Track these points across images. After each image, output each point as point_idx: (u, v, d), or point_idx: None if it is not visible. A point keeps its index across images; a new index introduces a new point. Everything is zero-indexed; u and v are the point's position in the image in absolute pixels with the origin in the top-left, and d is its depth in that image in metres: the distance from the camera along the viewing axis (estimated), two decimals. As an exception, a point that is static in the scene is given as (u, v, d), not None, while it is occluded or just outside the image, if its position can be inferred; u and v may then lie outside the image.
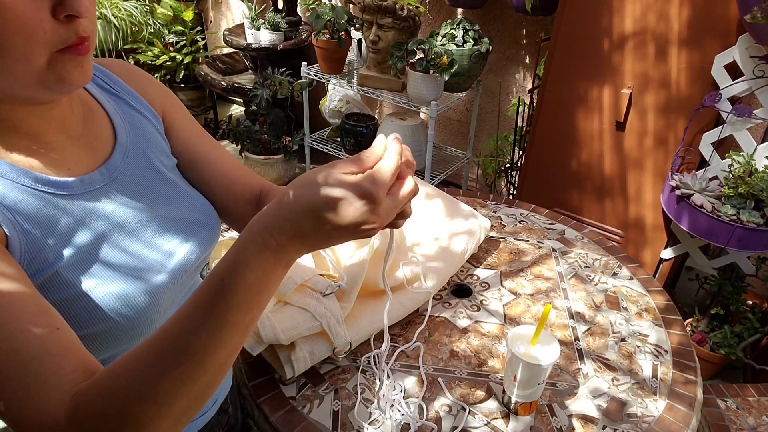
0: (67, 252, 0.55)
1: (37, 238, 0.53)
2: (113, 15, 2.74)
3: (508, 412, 0.88)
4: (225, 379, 0.80)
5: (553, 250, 1.30)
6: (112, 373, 0.45)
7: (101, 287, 0.56)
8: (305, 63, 2.62)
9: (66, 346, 0.48)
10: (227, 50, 3.33)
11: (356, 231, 0.46)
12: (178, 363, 0.44)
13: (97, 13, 2.68)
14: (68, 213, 0.56)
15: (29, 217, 0.53)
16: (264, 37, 2.74)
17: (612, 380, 0.96)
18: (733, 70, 1.62)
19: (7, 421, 0.46)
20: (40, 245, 0.53)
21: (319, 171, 0.46)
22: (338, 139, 2.74)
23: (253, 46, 2.75)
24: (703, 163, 1.77)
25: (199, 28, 3.27)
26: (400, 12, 2.19)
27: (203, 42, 3.25)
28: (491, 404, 0.90)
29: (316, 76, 2.58)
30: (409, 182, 0.49)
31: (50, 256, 0.54)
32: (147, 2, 3.03)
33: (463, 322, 1.07)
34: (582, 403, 0.91)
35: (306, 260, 1.08)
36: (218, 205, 0.76)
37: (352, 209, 0.44)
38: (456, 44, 2.20)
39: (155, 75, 3.17)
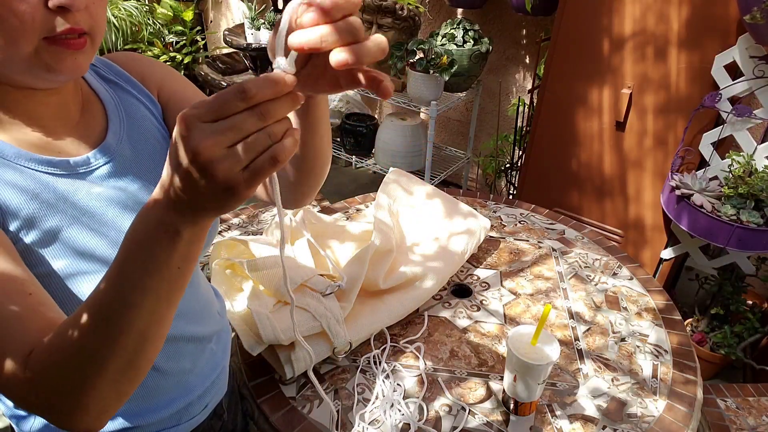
0: (33, 228, 0.55)
1: (13, 207, 0.53)
2: (113, 15, 2.74)
3: (508, 412, 0.88)
4: (217, 384, 0.80)
5: (553, 250, 1.30)
6: (59, 330, 0.47)
7: (73, 268, 0.56)
8: (305, 63, 2.62)
9: (35, 309, 0.49)
10: (227, 50, 3.32)
11: (199, 171, 0.39)
12: (103, 319, 0.45)
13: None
14: (46, 191, 0.56)
15: (7, 186, 0.54)
16: (264, 37, 2.74)
17: (612, 380, 0.96)
18: (733, 70, 1.62)
19: None
20: (14, 215, 0.53)
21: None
22: (338, 139, 2.75)
23: (253, 46, 2.75)
24: (703, 163, 1.77)
25: (199, 28, 3.27)
26: (400, 12, 2.19)
27: (203, 42, 3.25)
28: (491, 404, 0.90)
29: (316, 76, 2.58)
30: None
31: (23, 228, 0.54)
32: (147, 2, 3.03)
33: (463, 322, 1.07)
34: (582, 403, 0.91)
35: (306, 260, 1.08)
36: None
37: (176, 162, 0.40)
38: (456, 44, 2.20)
39: (155, 75, 3.18)
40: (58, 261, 0.56)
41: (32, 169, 0.56)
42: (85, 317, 0.46)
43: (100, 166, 0.62)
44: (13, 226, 0.54)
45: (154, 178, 0.66)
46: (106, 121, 0.65)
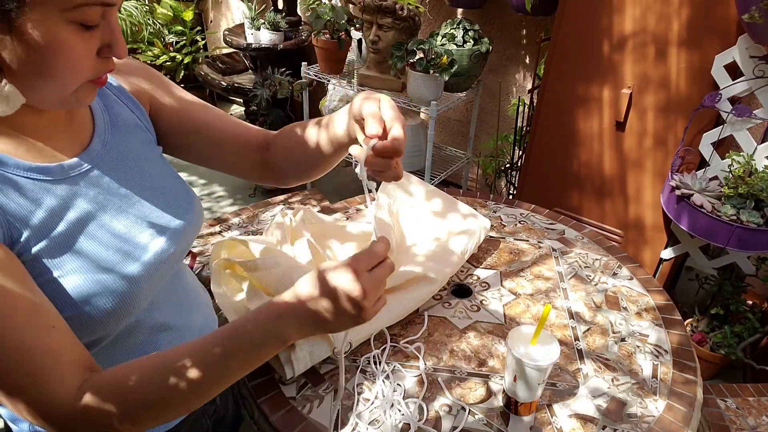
0: (45, 236, 0.57)
1: (17, 221, 0.55)
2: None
3: (508, 412, 0.88)
4: None
5: (553, 250, 1.30)
6: (125, 375, 0.54)
7: (77, 274, 0.58)
8: (305, 63, 2.62)
9: (62, 343, 0.54)
10: (227, 50, 3.32)
11: (352, 317, 0.59)
12: (184, 388, 0.54)
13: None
14: (48, 197, 0.58)
15: (9, 200, 0.55)
16: (264, 37, 2.74)
17: (612, 380, 0.96)
18: (733, 70, 1.62)
19: (17, 410, 0.52)
20: (19, 229, 0.55)
21: (326, 281, 0.58)
22: (338, 139, 2.75)
23: (253, 46, 2.75)
24: (703, 163, 1.77)
25: (199, 28, 3.27)
26: (400, 12, 2.19)
27: (203, 42, 3.25)
28: (491, 404, 0.90)
29: (316, 76, 2.58)
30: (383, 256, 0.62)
31: (30, 240, 0.56)
32: (147, 2, 3.03)
33: (463, 322, 1.07)
34: (582, 403, 0.91)
35: (306, 260, 1.08)
36: (230, 160, 0.83)
37: (345, 316, 0.59)
38: (456, 44, 2.20)
39: (155, 75, 3.18)
40: (65, 266, 0.58)
41: (32, 179, 0.58)
42: (164, 376, 0.54)
43: (92, 168, 0.64)
44: (23, 237, 0.55)
45: (140, 179, 0.70)
46: (93, 123, 0.68)
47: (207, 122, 0.80)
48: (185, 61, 3.14)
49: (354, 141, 0.69)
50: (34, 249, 0.56)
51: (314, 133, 0.75)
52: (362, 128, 0.63)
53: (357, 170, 0.63)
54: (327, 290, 0.57)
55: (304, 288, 0.58)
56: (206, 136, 0.80)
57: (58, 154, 0.61)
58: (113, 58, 0.57)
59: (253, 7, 2.76)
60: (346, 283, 0.56)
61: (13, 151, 0.57)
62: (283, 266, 0.97)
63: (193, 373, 0.54)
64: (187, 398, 0.56)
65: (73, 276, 0.58)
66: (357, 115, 0.64)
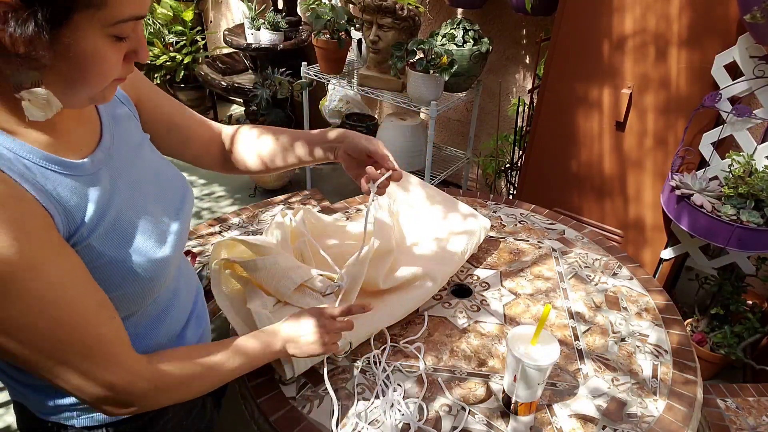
0: (98, 226, 0.63)
1: (76, 216, 0.60)
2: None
3: (508, 412, 0.88)
4: (205, 336, 0.91)
5: (553, 250, 1.30)
6: (176, 360, 0.72)
7: (125, 255, 0.65)
8: (305, 63, 2.62)
9: (122, 329, 0.65)
10: (227, 50, 3.32)
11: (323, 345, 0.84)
12: (209, 382, 0.76)
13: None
14: (92, 191, 0.63)
15: (67, 199, 0.60)
16: (264, 37, 2.74)
17: (612, 380, 0.96)
18: (733, 70, 1.62)
19: (88, 393, 0.62)
20: (77, 223, 0.61)
21: (308, 317, 0.85)
22: (338, 139, 2.74)
23: (253, 46, 2.75)
24: (703, 163, 1.77)
25: (199, 28, 3.27)
26: (400, 12, 2.19)
27: (203, 42, 3.25)
28: (491, 404, 0.90)
29: (316, 76, 2.58)
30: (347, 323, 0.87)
31: (84, 232, 0.61)
32: (147, 2, 3.03)
33: (463, 322, 1.07)
34: (582, 403, 0.91)
35: (306, 261, 1.08)
36: (194, 153, 0.94)
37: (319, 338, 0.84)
38: (456, 44, 2.20)
39: (155, 75, 3.18)
40: (113, 251, 0.64)
41: (76, 176, 0.62)
42: (199, 372, 0.73)
43: (110, 159, 0.69)
44: (80, 230, 0.61)
45: (144, 165, 0.76)
46: (99, 116, 0.72)
47: (177, 122, 0.89)
48: (185, 61, 3.13)
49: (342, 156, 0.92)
50: (89, 239, 0.61)
51: (277, 148, 0.94)
52: (356, 163, 0.91)
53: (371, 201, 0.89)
54: (305, 330, 0.83)
55: (291, 325, 0.84)
56: (177, 133, 0.89)
57: (83, 149, 0.65)
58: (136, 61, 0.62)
59: (253, 7, 2.76)
60: (317, 324, 0.84)
61: (56, 151, 0.61)
62: (282, 266, 0.97)
63: (223, 370, 0.76)
64: (208, 387, 0.76)
65: (119, 260, 0.64)
66: (364, 151, 0.89)
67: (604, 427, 0.87)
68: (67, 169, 0.61)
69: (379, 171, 0.86)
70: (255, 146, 0.95)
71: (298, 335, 0.82)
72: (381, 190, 0.87)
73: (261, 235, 1.12)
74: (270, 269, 0.96)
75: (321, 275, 1.02)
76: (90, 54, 0.55)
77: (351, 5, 2.41)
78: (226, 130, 0.98)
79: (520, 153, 2.42)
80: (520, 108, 2.34)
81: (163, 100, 0.87)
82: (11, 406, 1.81)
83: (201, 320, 0.88)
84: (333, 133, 0.92)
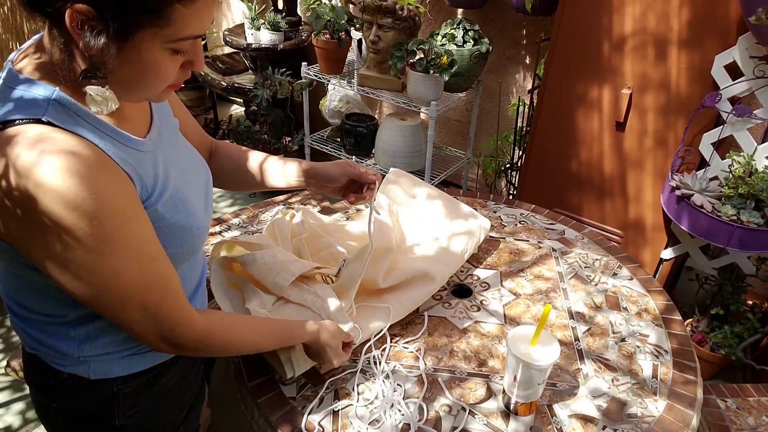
0: (161, 193, 0.72)
1: (148, 186, 0.70)
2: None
3: (508, 412, 0.88)
4: (203, 306, 0.98)
5: (553, 250, 1.30)
6: (232, 319, 0.85)
7: (183, 219, 0.74)
8: (305, 63, 2.62)
9: (179, 288, 0.74)
10: (227, 50, 3.32)
11: (333, 351, 0.90)
12: (249, 347, 0.85)
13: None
14: (155, 164, 0.72)
15: (141, 171, 0.69)
16: (264, 37, 2.74)
17: (612, 380, 0.96)
18: (733, 71, 1.62)
19: (151, 331, 0.70)
20: (148, 191, 0.70)
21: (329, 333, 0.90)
22: (338, 140, 2.74)
23: (253, 46, 2.75)
24: (703, 164, 1.77)
25: (199, 28, 3.26)
26: (400, 12, 2.19)
27: (203, 42, 3.25)
28: (491, 404, 0.90)
29: (316, 76, 2.58)
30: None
31: (153, 197, 0.70)
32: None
33: (463, 322, 1.07)
34: (582, 403, 0.91)
35: (306, 257, 1.08)
36: None
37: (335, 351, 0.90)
38: (456, 44, 2.20)
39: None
40: (175, 214, 0.73)
41: (143, 151, 0.71)
42: (246, 336, 0.83)
43: (161, 139, 0.77)
44: (151, 195, 0.70)
45: (183, 145, 0.85)
46: (150, 106, 0.81)
47: (187, 123, 0.94)
48: (185, 61, 3.13)
49: (317, 184, 1.00)
50: (156, 205, 0.70)
51: (255, 171, 1.02)
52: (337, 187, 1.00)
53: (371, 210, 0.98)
54: (326, 336, 0.89)
55: (324, 325, 0.90)
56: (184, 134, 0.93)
57: (141, 128, 0.74)
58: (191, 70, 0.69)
59: (253, 7, 2.76)
60: (330, 340, 0.89)
61: (130, 131, 0.70)
62: (281, 259, 0.97)
63: (257, 337, 0.84)
64: (246, 348, 0.85)
65: (179, 223, 0.74)
66: (343, 175, 0.98)
67: (604, 427, 0.87)
68: (136, 145, 0.69)
69: (365, 188, 0.97)
70: (235, 164, 1.02)
71: (333, 329, 0.90)
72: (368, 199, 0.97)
73: (261, 233, 1.12)
74: (268, 262, 0.96)
75: (319, 269, 1.02)
76: (151, 64, 0.62)
77: (351, 5, 2.41)
78: (214, 142, 1.04)
79: (520, 153, 2.42)
80: (520, 108, 2.34)
81: (177, 101, 0.94)
82: (12, 405, 1.80)
83: (203, 296, 0.93)
84: (298, 170, 1.00)
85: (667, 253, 1.92)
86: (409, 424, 0.85)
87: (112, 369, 0.78)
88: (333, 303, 0.97)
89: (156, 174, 0.72)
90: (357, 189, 0.99)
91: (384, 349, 1.00)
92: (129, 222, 0.64)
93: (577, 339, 1.05)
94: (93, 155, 0.62)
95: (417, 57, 2.14)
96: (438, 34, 2.25)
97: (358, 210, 1.43)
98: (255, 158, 1.02)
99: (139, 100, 0.70)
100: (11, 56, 0.67)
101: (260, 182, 1.02)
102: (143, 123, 0.76)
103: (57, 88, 0.63)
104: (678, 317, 1.12)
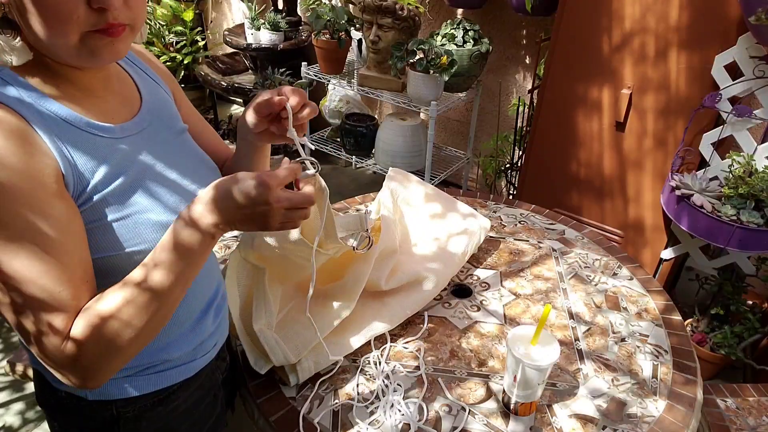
0: (109, 185, 0.66)
1: (86, 171, 0.64)
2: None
3: (508, 412, 0.88)
4: (222, 326, 0.89)
5: (553, 250, 1.30)
6: (103, 316, 0.61)
7: (135, 216, 0.67)
8: (305, 63, 2.62)
9: (83, 293, 0.62)
10: (227, 50, 3.32)
11: (259, 219, 0.65)
12: (157, 308, 0.63)
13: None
14: (113, 152, 0.67)
15: (82, 153, 0.64)
16: (264, 37, 2.74)
17: (612, 380, 0.96)
18: (733, 71, 1.62)
19: (25, 335, 0.60)
20: (87, 179, 0.64)
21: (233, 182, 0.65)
22: (338, 139, 2.74)
23: (253, 46, 2.75)
24: (703, 164, 1.77)
25: (199, 28, 3.26)
26: (400, 12, 2.19)
27: (203, 42, 3.25)
28: (491, 404, 0.90)
29: (316, 76, 2.58)
30: (306, 190, 0.67)
31: (97, 187, 0.64)
32: (147, 2, 3.03)
33: (463, 322, 1.07)
34: (582, 403, 0.91)
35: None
36: None
37: (261, 208, 0.64)
38: (456, 44, 2.20)
39: (155, 75, 3.17)
40: (127, 209, 0.67)
41: (100, 136, 0.67)
42: (137, 305, 0.62)
43: (143, 130, 0.73)
44: (89, 186, 0.64)
45: (180, 144, 0.80)
46: (138, 93, 0.77)
47: (203, 132, 0.91)
48: (185, 61, 3.13)
49: (257, 136, 0.81)
50: (97, 196, 0.64)
51: (238, 150, 0.88)
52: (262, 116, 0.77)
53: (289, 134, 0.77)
54: (237, 194, 0.63)
55: (219, 190, 0.64)
56: (200, 145, 0.87)
57: (116, 118, 0.70)
58: (109, 11, 0.60)
59: (253, 7, 2.76)
60: (258, 195, 0.63)
61: (84, 112, 0.66)
62: (294, 236, 0.90)
63: (158, 281, 0.63)
64: (161, 317, 0.65)
65: (130, 219, 0.66)
66: (257, 114, 0.77)
67: (604, 428, 0.87)
68: (91, 128, 0.66)
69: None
70: (233, 162, 0.92)
71: (234, 205, 0.64)
72: (300, 125, 0.77)
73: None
74: (285, 246, 0.90)
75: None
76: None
77: (351, 5, 2.41)
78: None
79: (520, 153, 2.42)
80: (520, 108, 2.34)
81: (192, 111, 0.91)
82: (11, 405, 1.80)
83: (219, 312, 0.86)
84: (241, 132, 0.84)
85: (667, 253, 1.92)
86: (409, 424, 0.85)
87: (110, 391, 0.74)
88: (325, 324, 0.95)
89: (108, 164, 0.66)
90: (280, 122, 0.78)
91: (384, 349, 1.00)
92: (18, 201, 0.57)
93: (577, 339, 1.05)
94: (6, 119, 0.58)
95: (417, 57, 2.14)
96: (438, 34, 2.25)
97: (358, 210, 1.43)
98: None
99: (64, 53, 0.62)
100: None
101: (242, 160, 0.88)
102: (121, 112, 0.72)
103: None
104: (678, 317, 1.12)
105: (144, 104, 0.76)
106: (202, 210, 0.63)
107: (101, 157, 0.66)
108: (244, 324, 0.94)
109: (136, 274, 0.63)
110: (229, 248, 1.39)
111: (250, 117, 0.77)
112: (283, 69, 2.74)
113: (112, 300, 0.61)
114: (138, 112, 0.75)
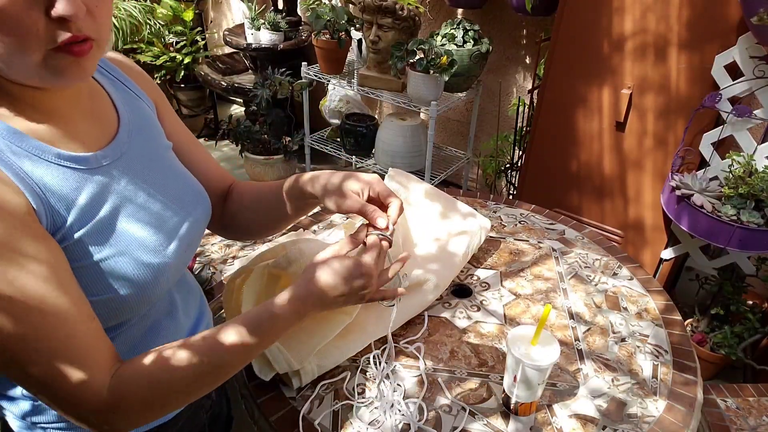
0: (88, 222, 0.59)
1: (61, 209, 0.57)
2: (113, 15, 2.74)
3: (508, 412, 0.88)
4: None
5: (553, 250, 1.30)
6: (155, 365, 0.59)
7: (117, 256, 0.61)
8: (305, 63, 2.62)
9: (100, 334, 0.58)
10: (227, 50, 3.32)
11: (358, 297, 0.70)
12: (212, 372, 0.62)
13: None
14: (88, 185, 0.60)
15: (54, 190, 0.57)
16: (264, 37, 2.74)
17: (612, 380, 0.96)
18: (733, 71, 1.62)
19: (52, 399, 0.55)
20: (63, 216, 0.57)
21: (331, 260, 0.69)
22: (338, 139, 2.74)
23: (253, 46, 2.75)
24: (703, 164, 1.77)
25: (199, 28, 3.27)
26: (400, 12, 2.19)
27: (203, 42, 3.25)
28: (491, 404, 0.90)
29: (316, 76, 2.58)
30: (393, 269, 0.74)
31: (74, 226, 0.58)
32: (147, 2, 3.03)
33: (463, 322, 1.07)
34: (582, 403, 0.91)
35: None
36: None
37: (355, 287, 0.69)
38: (456, 44, 2.20)
39: (155, 75, 3.17)
40: (105, 250, 0.60)
41: (72, 168, 0.59)
42: (192, 363, 0.59)
43: (121, 157, 0.66)
44: (67, 224, 0.58)
45: (162, 169, 0.72)
46: (116, 111, 0.69)
47: (190, 152, 0.83)
48: (185, 61, 3.13)
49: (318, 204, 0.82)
50: (77, 234, 0.58)
51: (282, 195, 0.84)
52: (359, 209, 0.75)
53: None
54: (340, 277, 0.67)
55: (320, 276, 0.68)
56: (186, 165, 0.80)
57: (89, 143, 0.63)
58: (70, 19, 0.52)
59: (253, 7, 2.76)
60: (354, 270, 0.68)
61: (52, 140, 0.59)
62: (308, 254, 0.91)
63: (223, 356, 0.61)
64: (213, 382, 0.64)
65: (112, 260, 0.60)
66: (368, 192, 0.76)
67: (604, 428, 0.87)
68: (62, 160, 0.58)
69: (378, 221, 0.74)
70: (255, 195, 0.87)
71: (329, 287, 0.67)
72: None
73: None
74: (298, 261, 0.89)
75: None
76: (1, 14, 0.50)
77: (351, 5, 2.41)
78: (235, 182, 0.90)
79: (520, 153, 2.42)
80: (520, 108, 2.34)
81: (178, 126, 0.83)
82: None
83: None
84: (311, 186, 0.80)
85: (667, 253, 1.92)
86: (409, 424, 0.85)
87: None
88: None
89: (86, 196, 0.60)
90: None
91: (384, 349, 1.00)
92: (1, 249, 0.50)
93: (577, 339, 1.05)
94: None
95: (417, 57, 2.14)
96: (438, 34, 2.25)
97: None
98: (271, 183, 0.88)
99: (25, 72, 0.54)
100: None
101: (279, 203, 0.84)
102: (97, 137, 0.65)
103: None
104: (678, 317, 1.12)
105: (122, 123, 0.68)
106: (305, 302, 0.66)
107: (76, 192, 0.59)
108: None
109: (208, 338, 0.61)
110: (228, 247, 1.39)
111: (333, 203, 0.75)
112: (283, 69, 2.74)
113: (176, 359, 0.59)
114: (116, 133, 0.67)
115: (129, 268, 0.62)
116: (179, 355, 0.59)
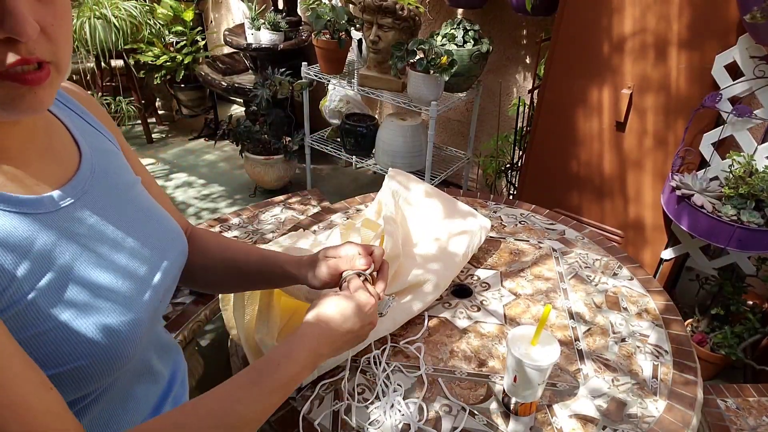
0: (42, 276, 0.50)
1: (6, 264, 0.47)
2: (113, 15, 2.74)
3: (508, 412, 0.88)
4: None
5: (553, 250, 1.30)
6: None
7: (80, 317, 0.52)
8: (305, 63, 2.62)
9: (62, 405, 0.48)
10: (227, 50, 3.32)
11: (364, 335, 0.73)
12: (224, 427, 0.55)
13: (97, 13, 2.68)
14: (42, 233, 0.51)
15: (6, 239, 0.48)
16: (264, 37, 2.74)
17: (612, 380, 0.96)
18: (734, 71, 1.62)
19: None
20: (11, 275, 0.48)
21: (344, 306, 0.70)
22: (338, 140, 2.74)
23: (253, 46, 2.75)
24: (703, 164, 1.77)
25: (199, 28, 3.27)
26: (400, 12, 2.19)
27: (203, 42, 3.25)
28: (491, 404, 0.90)
29: (316, 76, 2.58)
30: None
31: (24, 285, 0.48)
32: (147, 2, 3.03)
33: (463, 323, 1.07)
34: (582, 404, 0.91)
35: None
36: None
37: (365, 329, 0.72)
38: (456, 44, 2.20)
39: (155, 75, 3.18)
40: (63, 314, 0.51)
41: (22, 214, 0.50)
42: (204, 423, 0.54)
43: (84, 196, 0.58)
44: (13, 287, 0.48)
45: (131, 207, 0.64)
46: (76, 147, 0.61)
47: (150, 190, 0.76)
48: (185, 61, 3.13)
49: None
50: (30, 296, 0.49)
51: (254, 260, 0.81)
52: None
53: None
54: (350, 317, 0.70)
55: (332, 316, 0.69)
56: None
57: (42, 184, 0.54)
58: (21, 43, 0.45)
59: (253, 7, 2.76)
60: (363, 311, 0.71)
61: (16, 184, 0.51)
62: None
63: (228, 411, 0.56)
64: None
65: (75, 321, 0.51)
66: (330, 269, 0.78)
67: (604, 428, 0.87)
68: (9, 205, 0.49)
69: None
70: (216, 248, 0.82)
71: (336, 329, 0.68)
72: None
73: (264, 235, 1.11)
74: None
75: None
76: None
77: (351, 5, 2.41)
78: (190, 226, 0.84)
79: (520, 153, 2.42)
80: (520, 108, 2.34)
81: (138, 164, 0.75)
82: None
83: (178, 401, 0.74)
84: (294, 268, 0.80)
85: (667, 254, 1.92)
86: (409, 424, 0.85)
87: None
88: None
89: (40, 245, 0.50)
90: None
91: (384, 350, 1.00)
92: None
93: (577, 339, 1.04)
94: None
95: (417, 57, 2.14)
96: (438, 34, 2.25)
97: (358, 210, 1.43)
98: (238, 244, 0.84)
99: None
100: None
101: (247, 269, 0.81)
102: (56, 175, 0.56)
103: None
104: (678, 317, 1.12)
105: (84, 158, 0.60)
106: (316, 352, 0.66)
107: (27, 242, 0.49)
108: (247, 336, 0.94)
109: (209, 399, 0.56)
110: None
111: (321, 274, 0.78)
112: (283, 69, 2.74)
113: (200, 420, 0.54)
114: (77, 169, 0.58)
115: (94, 330, 0.52)
116: (186, 417, 0.54)
